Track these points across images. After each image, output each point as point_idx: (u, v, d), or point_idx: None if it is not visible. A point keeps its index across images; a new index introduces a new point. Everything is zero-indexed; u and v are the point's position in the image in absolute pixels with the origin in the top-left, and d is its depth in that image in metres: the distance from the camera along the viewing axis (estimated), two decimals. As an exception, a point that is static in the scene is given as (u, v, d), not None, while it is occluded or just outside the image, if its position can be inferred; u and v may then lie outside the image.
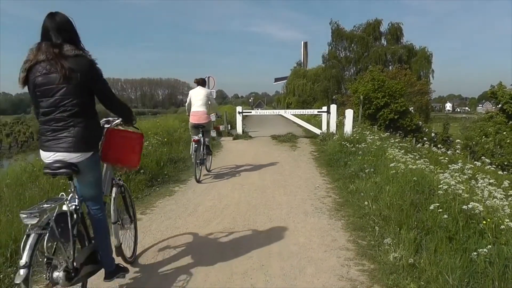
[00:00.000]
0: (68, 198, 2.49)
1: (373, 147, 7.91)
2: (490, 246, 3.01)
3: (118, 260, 3.05)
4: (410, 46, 36.13)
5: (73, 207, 2.48)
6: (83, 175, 2.53)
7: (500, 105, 17.44)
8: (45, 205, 2.26)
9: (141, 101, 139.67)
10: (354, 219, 4.54)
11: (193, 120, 6.79)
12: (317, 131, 12.93)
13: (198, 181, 6.52)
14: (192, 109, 6.81)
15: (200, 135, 6.73)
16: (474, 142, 16.57)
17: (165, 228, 4.32)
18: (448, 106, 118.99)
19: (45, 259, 2.27)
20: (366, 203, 4.77)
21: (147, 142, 8.08)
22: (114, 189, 3.12)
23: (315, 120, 16.29)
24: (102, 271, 2.73)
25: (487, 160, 6.69)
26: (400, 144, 8.90)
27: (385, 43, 37.06)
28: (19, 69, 2.45)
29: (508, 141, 15.31)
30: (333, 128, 12.17)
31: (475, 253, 3.00)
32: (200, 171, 6.75)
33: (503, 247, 3.00)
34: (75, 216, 2.46)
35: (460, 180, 4.64)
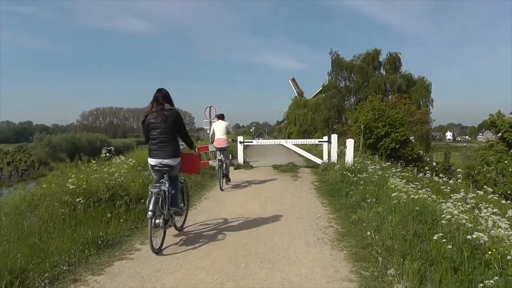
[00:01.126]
0: (165, 182, 4.61)
1: (374, 176, 7.90)
2: (496, 278, 2.95)
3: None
4: (408, 75, 36.80)
5: (166, 187, 4.53)
6: (173, 170, 4.74)
7: (500, 134, 17.50)
8: (157, 184, 4.48)
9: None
10: (357, 249, 4.46)
11: (216, 144, 9.27)
12: (318, 161, 12.93)
13: (222, 189, 8.71)
14: (216, 137, 9.28)
15: (222, 155, 9.03)
16: (476, 171, 16.47)
17: (165, 259, 4.25)
18: (449, 135, 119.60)
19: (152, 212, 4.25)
20: (368, 233, 4.71)
21: (147, 172, 8.07)
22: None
23: (316, 150, 16.32)
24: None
25: (490, 189, 6.63)
26: (402, 174, 8.87)
27: (384, 72, 37.75)
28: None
29: (510, 169, 15.21)
30: (334, 158, 12.16)
31: (481, 284, 2.94)
32: (223, 182, 8.95)
33: (510, 278, 2.95)
34: (167, 192, 4.53)
35: (463, 210, 4.60)
